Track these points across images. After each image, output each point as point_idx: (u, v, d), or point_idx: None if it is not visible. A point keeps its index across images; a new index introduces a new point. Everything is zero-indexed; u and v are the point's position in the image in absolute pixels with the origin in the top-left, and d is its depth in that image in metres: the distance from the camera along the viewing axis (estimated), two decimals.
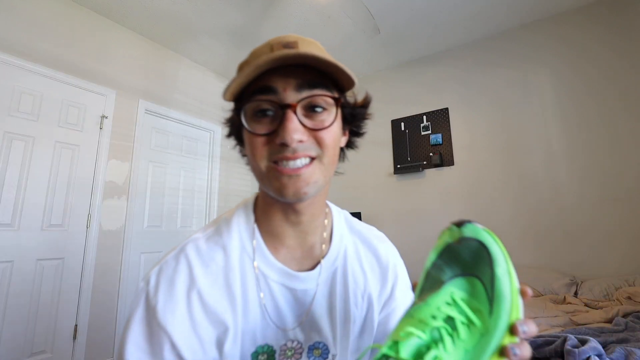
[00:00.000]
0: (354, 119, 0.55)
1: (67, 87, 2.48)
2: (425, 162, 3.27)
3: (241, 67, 0.51)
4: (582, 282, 2.31)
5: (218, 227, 0.55)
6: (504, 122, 2.95)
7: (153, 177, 3.00)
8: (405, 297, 0.62)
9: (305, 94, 0.45)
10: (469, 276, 0.36)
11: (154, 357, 0.44)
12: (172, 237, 3.06)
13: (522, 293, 0.35)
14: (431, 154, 3.25)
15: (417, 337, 0.31)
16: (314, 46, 0.50)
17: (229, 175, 3.69)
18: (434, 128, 3.30)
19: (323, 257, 0.56)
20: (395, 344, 0.31)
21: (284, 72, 0.45)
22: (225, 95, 0.46)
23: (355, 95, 0.55)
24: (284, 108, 0.44)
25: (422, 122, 3.38)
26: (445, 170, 3.18)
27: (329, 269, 0.56)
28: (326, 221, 0.59)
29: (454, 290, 0.35)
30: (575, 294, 2.23)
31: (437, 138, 3.24)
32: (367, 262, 0.60)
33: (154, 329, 0.44)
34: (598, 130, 2.55)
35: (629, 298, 1.91)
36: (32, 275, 2.20)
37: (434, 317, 0.33)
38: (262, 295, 0.51)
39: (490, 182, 2.94)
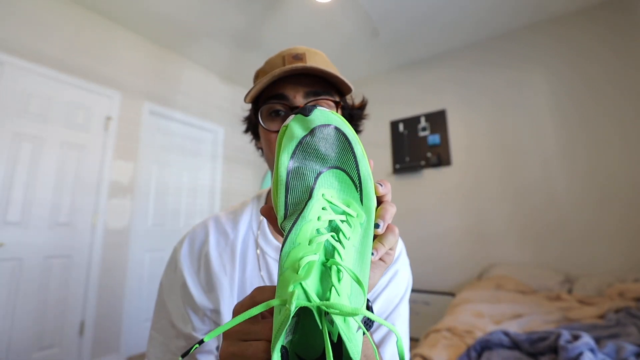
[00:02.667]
0: (352, 119, 0.65)
1: (73, 89, 2.52)
2: (423, 163, 3.33)
3: (258, 75, 0.61)
4: (576, 279, 2.37)
5: (236, 209, 0.66)
6: (502, 123, 2.99)
7: (157, 177, 3.05)
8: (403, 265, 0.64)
9: (311, 98, 0.54)
10: (332, 169, 0.33)
11: (174, 289, 0.59)
12: (175, 236, 3.10)
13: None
14: (429, 155, 3.30)
15: (314, 264, 0.26)
16: (319, 57, 0.59)
17: (231, 175, 3.73)
18: (432, 129, 3.34)
19: None
20: (302, 288, 0.24)
21: (294, 80, 0.54)
22: (245, 99, 0.56)
23: (353, 98, 0.66)
24: (293, 109, 0.53)
25: (421, 123, 3.42)
26: (443, 170, 3.22)
27: None
28: None
29: (324, 191, 0.31)
30: (570, 291, 2.28)
31: (435, 139, 3.29)
32: None
33: (176, 270, 0.60)
34: (596, 131, 2.58)
35: (621, 295, 1.96)
36: (41, 272, 2.25)
37: (318, 231, 0.29)
38: (260, 268, 0.59)
39: (487, 182, 2.98)
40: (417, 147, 3.40)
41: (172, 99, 3.23)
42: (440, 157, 3.23)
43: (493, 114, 3.05)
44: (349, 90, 0.58)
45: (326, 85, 0.56)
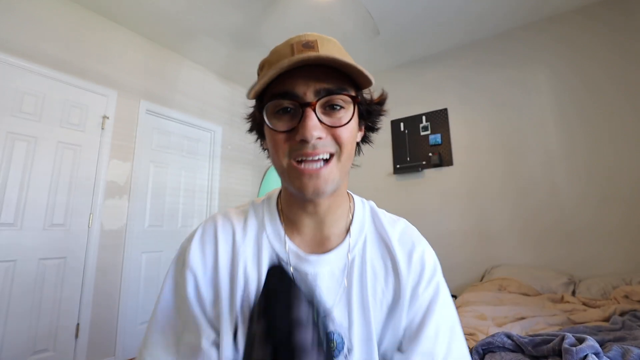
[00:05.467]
0: (370, 115, 0.58)
1: (69, 87, 2.49)
2: (424, 162, 3.29)
3: (262, 66, 0.55)
4: (580, 281, 2.33)
5: (247, 208, 0.62)
6: (504, 122, 2.96)
7: (154, 177, 3.02)
8: (442, 310, 0.54)
9: (324, 96, 0.48)
10: None
11: (180, 290, 0.53)
12: (173, 237, 3.07)
13: None
14: (430, 154, 3.27)
15: None
16: (333, 45, 0.52)
17: (229, 175, 3.70)
18: (433, 128, 3.31)
19: (338, 245, 0.57)
20: None
21: (305, 73, 0.47)
22: (249, 95, 0.50)
23: (371, 92, 0.58)
24: (303, 106, 0.47)
25: (422, 123, 3.39)
26: (444, 170, 3.19)
27: (344, 256, 0.56)
28: (347, 212, 0.60)
29: None
30: (573, 293, 2.25)
31: (436, 138, 3.26)
32: (386, 258, 0.58)
33: (184, 268, 0.53)
34: (597, 130, 2.56)
35: (626, 297, 1.92)
36: (35, 275, 2.22)
37: None
38: None
39: (489, 181, 2.95)
40: (418, 146, 3.37)
41: (169, 98, 3.20)
42: (442, 157, 3.20)
43: (494, 113, 3.02)
44: (368, 83, 0.51)
45: (341, 79, 0.50)
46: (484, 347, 1.34)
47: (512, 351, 1.33)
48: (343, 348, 0.51)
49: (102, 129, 2.64)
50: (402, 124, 3.51)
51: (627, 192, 2.40)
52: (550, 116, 2.75)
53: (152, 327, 0.53)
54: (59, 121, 2.42)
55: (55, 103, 2.41)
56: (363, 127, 0.60)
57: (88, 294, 2.44)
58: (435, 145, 3.26)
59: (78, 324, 2.38)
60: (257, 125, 0.59)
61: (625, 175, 2.42)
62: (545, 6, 2.75)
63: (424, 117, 3.38)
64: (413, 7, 2.73)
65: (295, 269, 0.54)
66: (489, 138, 3.02)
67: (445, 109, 3.27)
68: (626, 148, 2.44)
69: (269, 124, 0.49)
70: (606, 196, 2.46)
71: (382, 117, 0.62)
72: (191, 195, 3.31)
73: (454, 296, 2.76)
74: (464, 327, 1.61)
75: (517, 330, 1.57)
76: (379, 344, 0.53)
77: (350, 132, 0.50)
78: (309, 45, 0.49)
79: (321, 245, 0.57)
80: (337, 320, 0.52)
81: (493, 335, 1.38)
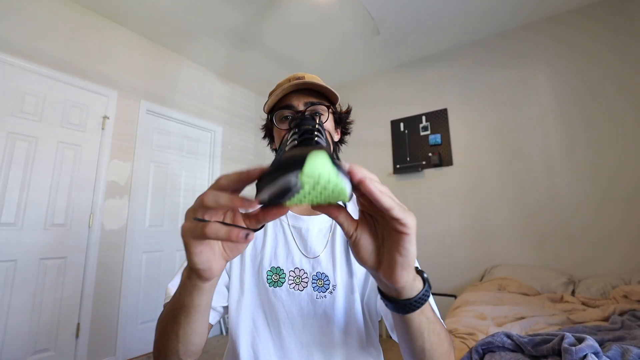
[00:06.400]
0: (341, 120, 0.84)
1: (69, 88, 2.49)
2: (424, 162, 3.29)
3: (271, 93, 0.78)
4: (579, 281, 2.33)
5: None
6: (503, 122, 2.96)
7: (155, 177, 3.02)
8: None
9: (309, 106, 0.73)
10: None
11: None
12: (173, 237, 3.07)
13: None
14: (430, 154, 3.27)
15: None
16: (315, 78, 0.77)
17: None
18: (433, 128, 3.31)
19: None
20: None
21: (297, 94, 0.74)
22: (264, 109, 0.78)
23: (341, 106, 0.84)
24: (298, 113, 0.72)
25: (422, 123, 3.39)
26: (444, 170, 3.19)
27: (329, 219, 0.75)
28: None
29: None
30: (573, 292, 2.25)
31: (436, 138, 3.26)
32: None
33: None
34: (597, 130, 2.56)
35: (625, 297, 1.92)
36: (35, 274, 2.22)
37: None
38: (277, 233, 0.74)
39: (489, 181, 2.95)
40: (418, 146, 3.37)
41: (169, 98, 3.20)
42: (442, 157, 3.20)
43: (494, 113, 3.02)
44: (336, 99, 0.77)
45: (320, 96, 0.75)
46: (483, 347, 1.34)
47: (512, 351, 1.33)
48: (329, 285, 0.68)
49: (103, 129, 2.64)
50: (402, 124, 3.51)
51: (627, 192, 2.40)
52: (550, 116, 2.75)
53: (181, 268, 0.64)
54: (60, 121, 2.43)
55: (56, 103, 2.42)
56: (339, 131, 0.84)
57: (88, 293, 2.45)
58: (435, 145, 3.27)
59: (78, 324, 2.38)
60: (268, 131, 0.84)
61: (625, 175, 2.42)
62: (545, 6, 2.75)
63: (423, 117, 3.39)
64: (413, 7, 2.73)
65: (292, 225, 0.74)
66: (489, 138, 3.02)
67: (445, 109, 3.27)
68: (626, 148, 2.44)
69: (277, 126, 0.74)
70: (606, 196, 2.47)
71: (356, 125, 0.88)
72: (191, 195, 3.31)
73: (453, 296, 2.77)
74: (463, 326, 1.61)
75: (517, 330, 1.57)
76: (364, 287, 0.70)
77: (328, 130, 0.72)
78: (299, 78, 0.74)
79: (312, 212, 0.76)
80: (324, 264, 0.70)
81: (493, 335, 1.38)
